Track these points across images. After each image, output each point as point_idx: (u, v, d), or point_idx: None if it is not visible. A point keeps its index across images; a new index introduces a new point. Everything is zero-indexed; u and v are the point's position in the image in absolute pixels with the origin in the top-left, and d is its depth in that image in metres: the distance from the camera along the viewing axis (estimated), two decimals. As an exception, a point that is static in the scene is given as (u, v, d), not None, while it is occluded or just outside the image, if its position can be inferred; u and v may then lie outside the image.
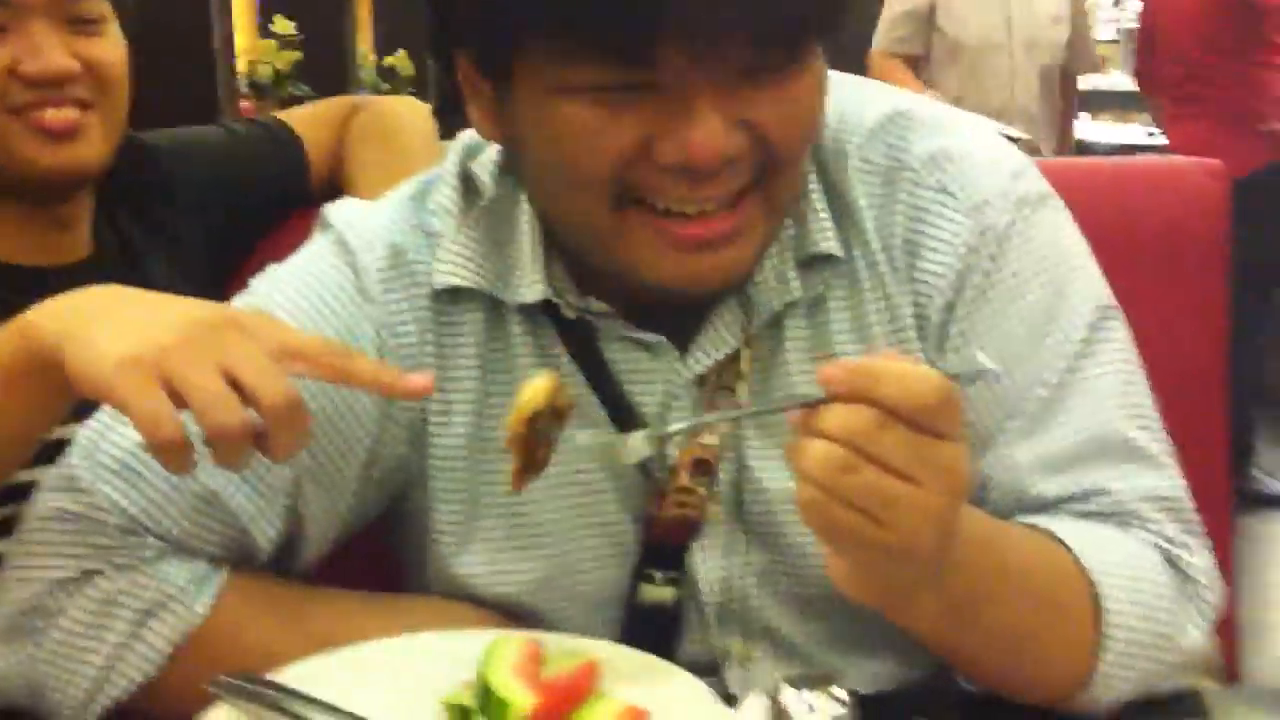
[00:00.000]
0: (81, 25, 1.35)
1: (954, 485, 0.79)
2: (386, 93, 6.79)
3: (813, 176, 1.02)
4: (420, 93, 6.01)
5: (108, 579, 0.95)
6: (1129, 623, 0.94)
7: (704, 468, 1.01)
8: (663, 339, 1.01)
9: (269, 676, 0.88)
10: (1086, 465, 0.98)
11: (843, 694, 0.83)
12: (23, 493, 1.27)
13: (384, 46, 8.26)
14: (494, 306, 1.02)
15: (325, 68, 7.18)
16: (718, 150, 0.87)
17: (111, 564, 0.95)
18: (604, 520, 1.03)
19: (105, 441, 0.98)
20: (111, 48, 1.38)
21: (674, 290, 0.94)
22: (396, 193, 1.08)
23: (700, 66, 0.86)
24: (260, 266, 1.10)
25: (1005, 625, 0.92)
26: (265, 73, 5.75)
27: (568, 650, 0.91)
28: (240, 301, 1.03)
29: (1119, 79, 7.24)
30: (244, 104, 5.05)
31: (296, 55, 5.72)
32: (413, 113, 1.69)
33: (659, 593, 1.03)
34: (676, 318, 1.01)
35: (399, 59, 7.37)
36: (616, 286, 0.99)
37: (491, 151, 1.05)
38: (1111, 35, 7.69)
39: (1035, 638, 0.93)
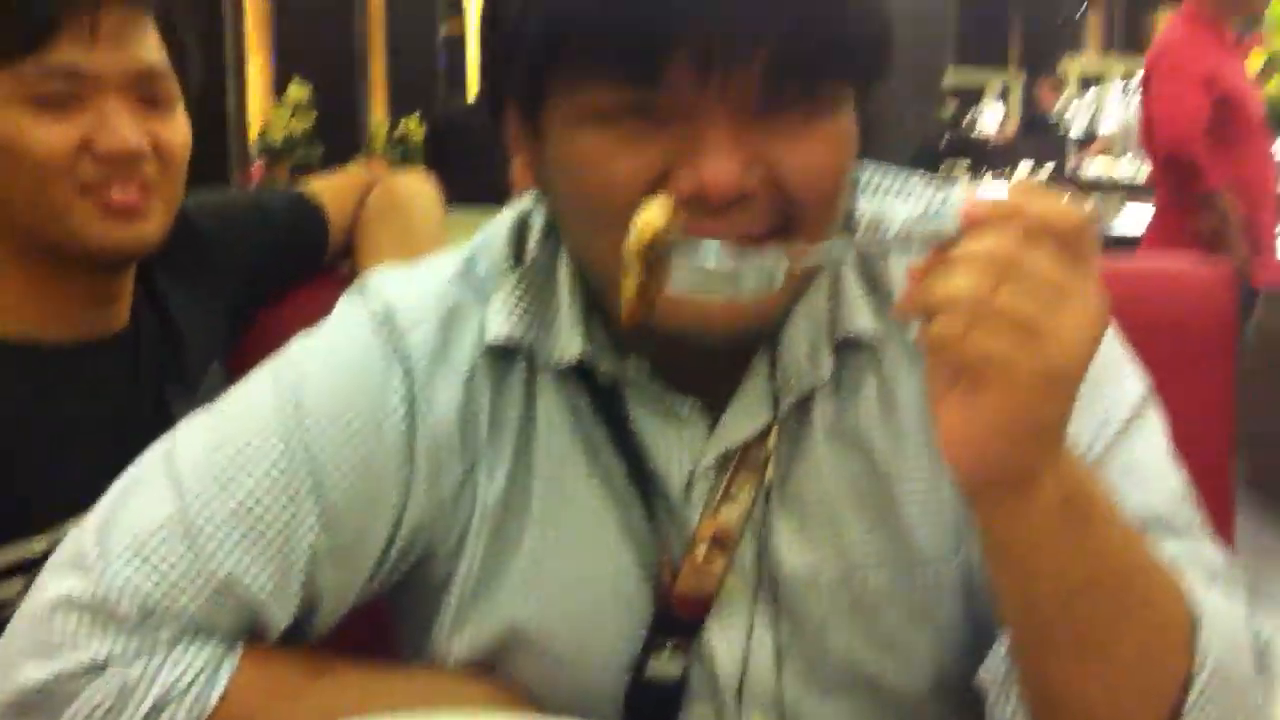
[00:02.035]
0: (153, 105, 1.33)
1: (1100, 309, 0.75)
2: (397, 157, 6.86)
3: (853, 258, 1.01)
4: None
5: (121, 668, 0.93)
6: (1222, 658, 0.87)
7: (724, 542, 1.00)
8: (693, 408, 1.00)
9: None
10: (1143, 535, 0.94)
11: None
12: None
13: (395, 111, 8.36)
14: (533, 365, 1.02)
15: (338, 130, 7.25)
16: (731, 180, 0.85)
17: (125, 653, 0.93)
18: (618, 589, 1.01)
19: (118, 519, 0.96)
20: (179, 129, 1.36)
21: (690, 333, 0.91)
22: (442, 260, 1.08)
23: (712, 92, 0.85)
24: (273, 330, 1.09)
25: (1106, 566, 0.83)
26: (277, 136, 5.81)
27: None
28: (274, 371, 1.02)
29: (1126, 166, 7.32)
30: (256, 165, 5.10)
31: (309, 121, 5.79)
32: (424, 191, 1.71)
33: (666, 666, 1.01)
34: (708, 391, 1.00)
35: (411, 123, 7.46)
36: (649, 350, 0.98)
37: (538, 219, 1.05)
38: (1119, 124, 7.77)
39: (1128, 613, 0.84)
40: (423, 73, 9.43)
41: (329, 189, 1.67)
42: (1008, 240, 0.73)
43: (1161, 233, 4.22)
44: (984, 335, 0.73)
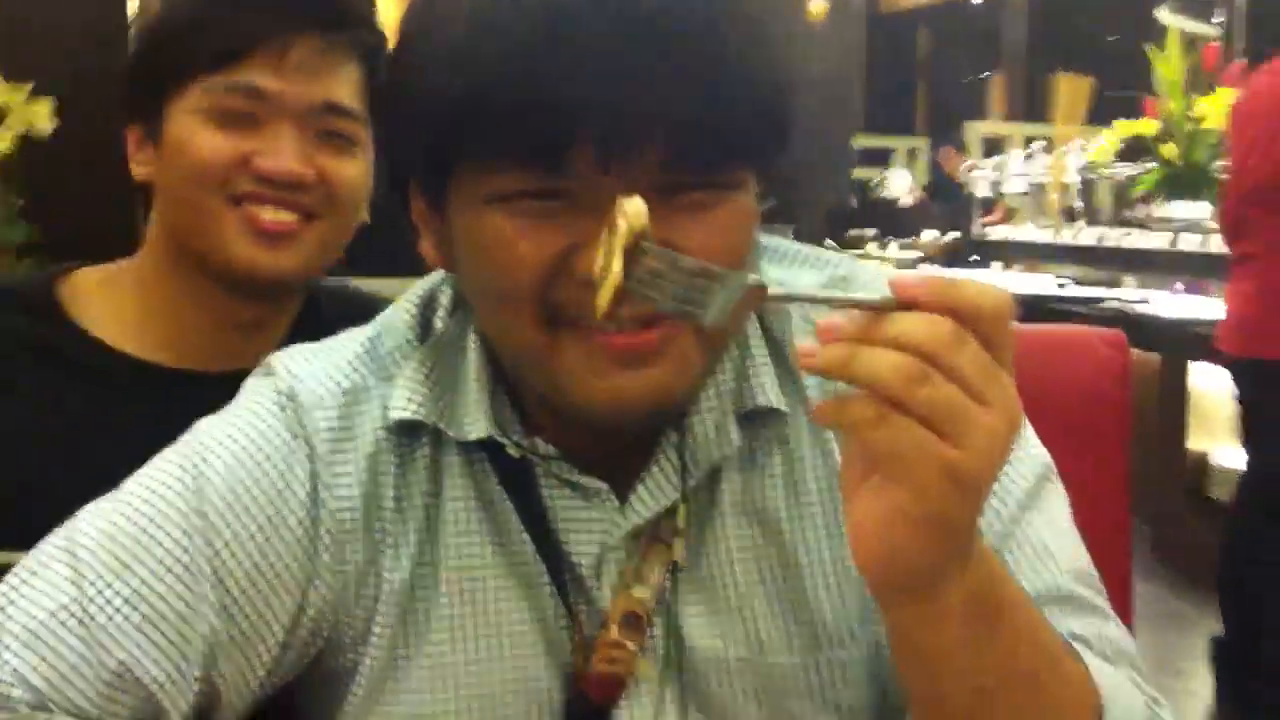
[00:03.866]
0: (332, 140, 1.34)
1: (1015, 413, 0.75)
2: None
3: (756, 330, 1.02)
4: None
5: None
6: None
7: (635, 622, 0.99)
8: (602, 486, 0.99)
9: None
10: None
11: None
12: None
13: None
14: (439, 443, 1.01)
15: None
16: None
17: None
18: (528, 673, 1.00)
19: (14, 609, 0.93)
20: (354, 169, 1.35)
21: (603, 413, 0.92)
22: (349, 337, 1.07)
23: (615, 176, 0.86)
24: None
25: (1014, 667, 0.84)
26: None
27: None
28: (179, 453, 1.00)
29: (1030, 230, 7.48)
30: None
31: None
32: None
33: None
34: (617, 469, 1.00)
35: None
36: (558, 427, 0.98)
37: (445, 295, 1.06)
38: (1022, 188, 7.95)
39: (1037, 712, 0.86)
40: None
41: None
42: (942, 331, 0.72)
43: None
44: (898, 427, 0.72)
